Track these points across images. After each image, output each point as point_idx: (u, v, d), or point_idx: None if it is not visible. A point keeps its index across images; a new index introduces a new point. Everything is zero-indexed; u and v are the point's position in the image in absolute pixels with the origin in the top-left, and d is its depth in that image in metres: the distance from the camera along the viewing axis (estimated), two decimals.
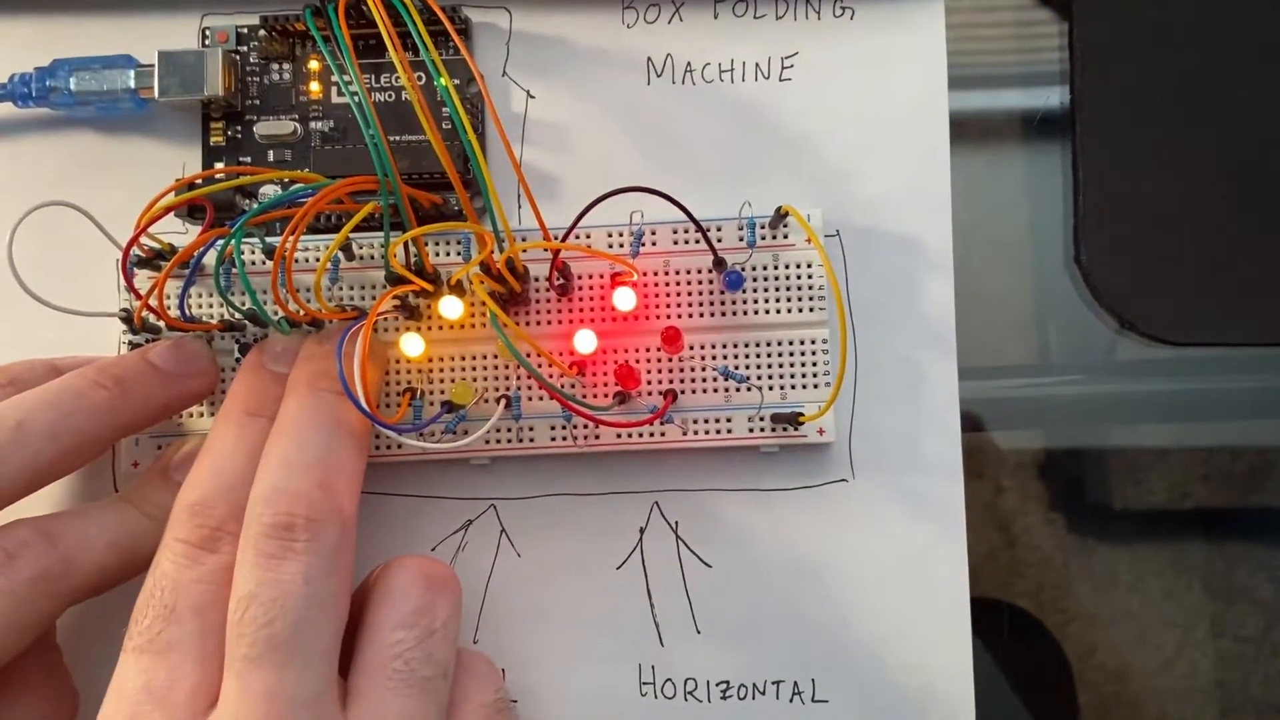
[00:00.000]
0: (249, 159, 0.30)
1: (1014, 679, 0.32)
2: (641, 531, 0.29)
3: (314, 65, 0.30)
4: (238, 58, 0.30)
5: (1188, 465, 0.34)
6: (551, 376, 0.28)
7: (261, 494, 0.23)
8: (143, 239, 0.26)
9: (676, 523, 0.29)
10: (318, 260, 0.28)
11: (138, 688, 0.21)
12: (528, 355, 0.27)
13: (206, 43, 0.30)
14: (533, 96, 0.30)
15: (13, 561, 0.22)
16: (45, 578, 0.23)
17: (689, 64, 0.30)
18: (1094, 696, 0.33)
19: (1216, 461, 0.34)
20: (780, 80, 0.30)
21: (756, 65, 0.30)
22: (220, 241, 0.25)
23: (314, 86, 0.30)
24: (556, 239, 0.27)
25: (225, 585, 0.23)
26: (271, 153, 0.30)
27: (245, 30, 0.30)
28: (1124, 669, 0.33)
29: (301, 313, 0.26)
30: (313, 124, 0.29)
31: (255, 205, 0.29)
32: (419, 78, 0.29)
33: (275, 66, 0.30)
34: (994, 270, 0.33)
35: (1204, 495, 0.34)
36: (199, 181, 0.29)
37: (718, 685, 0.28)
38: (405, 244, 0.26)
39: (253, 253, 0.28)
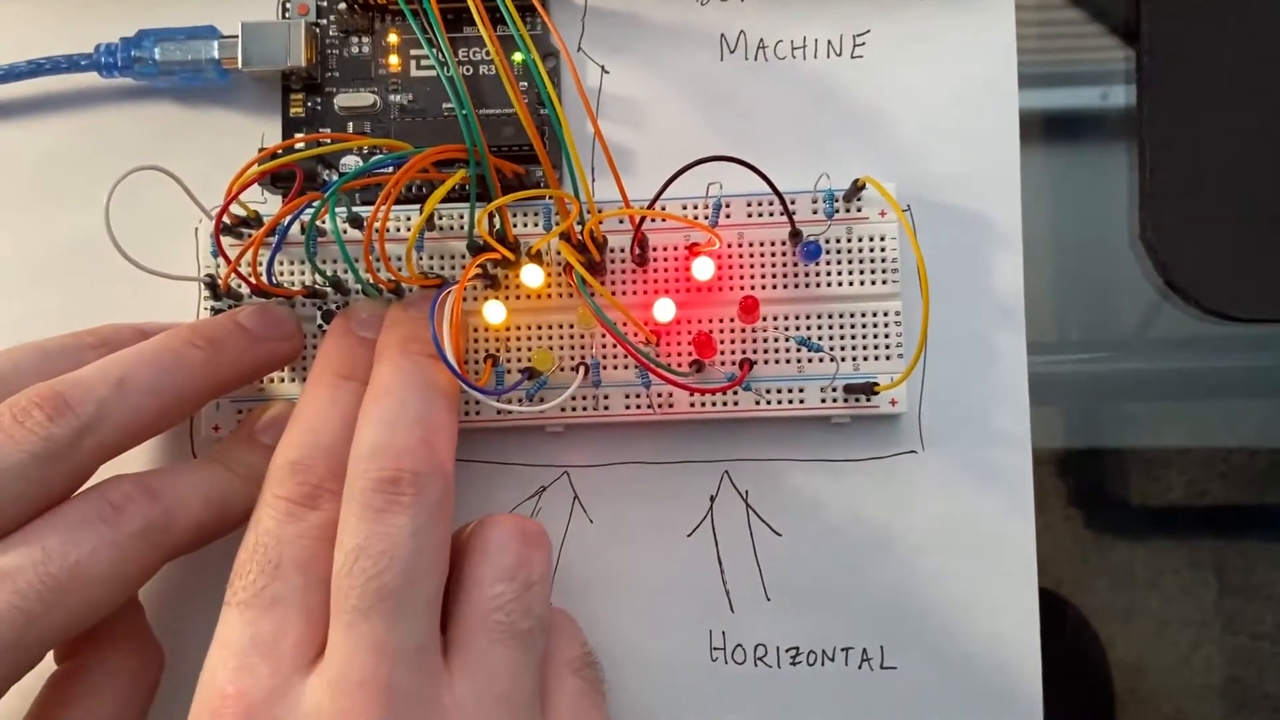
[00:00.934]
0: (328, 130, 0.30)
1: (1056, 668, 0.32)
2: (712, 500, 0.29)
3: (393, 39, 0.30)
4: (318, 30, 0.30)
5: (1206, 463, 0.34)
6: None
7: (365, 451, 0.23)
8: (230, 206, 0.26)
9: (747, 491, 0.29)
10: (398, 229, 0.29)
11: (244, 640, 0.22)
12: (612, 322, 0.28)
13: (287, 14, 0.30)
14: (607, 72, 0.30)
15: (119, 514, 0.23)
16: (149, 530, 0.23)
17: (761, 40, 0.30)
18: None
19: (1235, 460, 0.34)
20: (852, 58, 0.30)
21: (829, 42, 0.30)
22: (312, 208, 0.26)
23: (393, 60, 0.30)
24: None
25: (327, 541, 0.23)
26: (351, 124, 0.30)
27: (325, 3, 0.30)
28: (1140, 665, 0.33)
29: (389, 279, 0.27)
30: (391, 97, 0.30)
31: (339, 174, 0.29)
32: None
33: (355, 39, 0.30)
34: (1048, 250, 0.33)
35: (1221, 493, 0.34)
36: (281, 151, 0.29)
37: (787, 651, 0.29)
38: (489, 213, 0.27)
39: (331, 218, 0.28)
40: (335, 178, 0.29)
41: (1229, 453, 0.34)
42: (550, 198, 0.28)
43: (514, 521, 0.25)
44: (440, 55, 0.27)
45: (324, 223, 0.27)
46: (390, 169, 0.27)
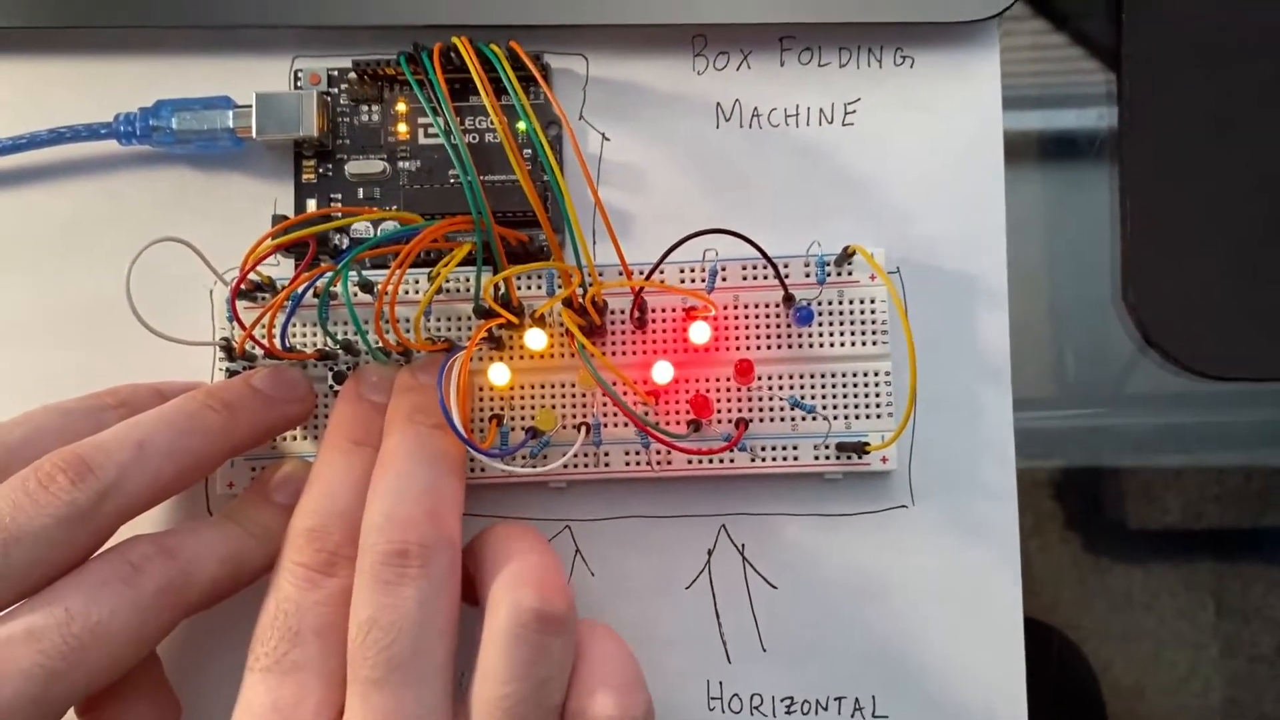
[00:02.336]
0: (339, 196, 0.31)
1: (1046, 698, 0.33)
2: (710, 553, 0.30)
3: (401, 107, 0.31)
4: (329, 99, 0.31)
5: (1202, 485, 0.34)
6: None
7: (375, 523, 0.24)
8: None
9: (743, 545, 0.30)
10: (405, 292, 0.30)
11: (267, 705, 0.23)
12: (611, 383, 0.29)
13: (299, 84, 0.32)
14: (608, 139, 0.31)
15: (138, 575, 0.24)
16: (167, 590, 0.24)
17: (756, 109, 0.31)
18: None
19: (1230, 482, 0.34)
20: (843, 125, 0.31)
21: (820, 110, 0.31)
22: (325, 276, 0.27)
23: (401, 128, 0.31)
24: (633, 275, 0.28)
25: (344, 606, 0.24)
26: (361, 190, 0.31)
27: (335, 73, 0.31)
28: (1137, 687, 0.33)
29: (398, 343, 0.28)
30: (400, 163, 0.31)
31: (350, 240, 0.30)
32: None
33: (364, 108, 0.31)
34: (1025, 299, 0.33)
35: (1218, 515, 0.34)
36: (291, 219, 0.30)
37: (782, 701, 0.30)
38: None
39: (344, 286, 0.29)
40: (347, 243, 0.30)
41: (1222, 474, 0.34)
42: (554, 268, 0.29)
43: (535, 602, 0.24)
44: (445, 124, 0.28)
45: (335, 288, 0.28)
46: (404, 237, 0.28)
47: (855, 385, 0.29)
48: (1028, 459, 0.30)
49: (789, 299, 0.29)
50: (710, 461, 0.29)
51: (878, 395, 0.29)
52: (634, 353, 0.30)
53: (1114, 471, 0.34)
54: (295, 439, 0.30)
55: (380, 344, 0.28)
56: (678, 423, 0.29)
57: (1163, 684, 0.33)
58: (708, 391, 0.29)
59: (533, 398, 0.30)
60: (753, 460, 0.29)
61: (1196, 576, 0.34)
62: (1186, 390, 0.34)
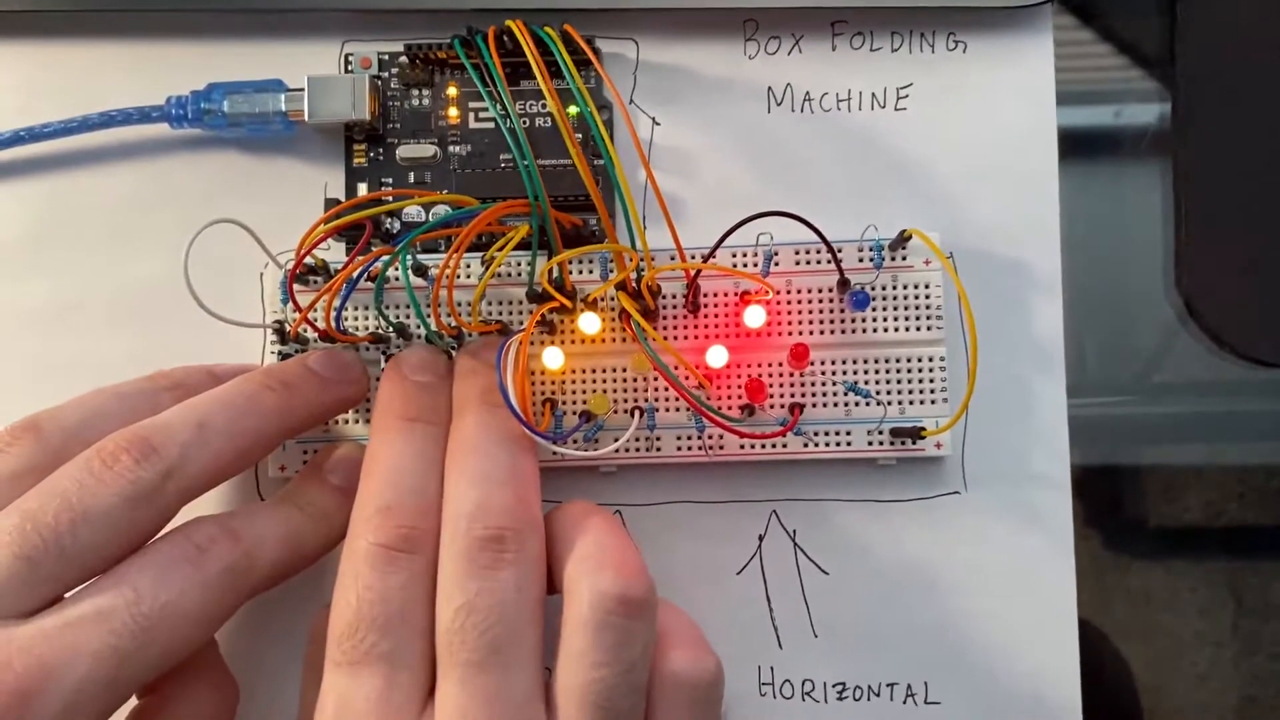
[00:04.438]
0: (390, 180, 0.31)
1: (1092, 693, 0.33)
2: (761, 539, 0.30)
3: (452, 92, 0.31)
4: (380, 83, 0.31)
5: (1223, 484, 0.34)
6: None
7: (466, 509, 0.24)
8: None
9: (795, 531, 0.30)
10: (459, 276, 0.30)
11: (360, 701, 0.23)
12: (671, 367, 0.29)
13: (350, 68, 0.32)
14: (658, 123, 0.31)
15: (204, 555, 0.24)
16: (232, 571, 0.24)
17: (808, 93, 0.31)
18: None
19: (1252, 480, 0.34)
20: (895, 110, 0.31)
21: (873, 95, 0.31)
22: (383, 259, 0.27)
23: (452, 112, 0.31)
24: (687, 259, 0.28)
25: (427, 588, 0.24)
26: (411, 174, 0.31)
27: (386, 57, 0.31)
28: (1157, 685, 0.33)
29: (453, 325, 0.28)
30: (451, 148, 0.31)
31: (404, 226, 0.30)
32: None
33: (416, 92, 0.31)
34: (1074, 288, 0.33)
35: (1238, 514, 0.34)
36: (344, 203, 0.30)
37: (834, 686, 0.30)
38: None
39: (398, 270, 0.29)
40: (399, 227, 0.30)
41: (1244, 472, 0.34)
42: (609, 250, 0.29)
43: (620, 581, 0.24)
44: (502, 108, 0.28)
45: (391, 271, 0.28)
46: (456, 220, 0.28)
47: (910, 371, 0.29)
48: (1078, 446, 0.30)
49: (844, 283, 0.29)
50: (763, 446, 0.29)
51: (932, 381, 0.29)
52: (687, 337, 0.29)
53: (1134, 469, 0.34)
54: (349, 422, 0.30)
55: (436, 327, 0.28)
56: (731, 407, 0.29)
57: (1182, 682, 0.33)
58: (761, 376, 0.29)
59: (585, 382, 0.29)
60: (805, 445, 0.29)
61: (1216, 574, 0.34)
62: (1216, 380, 0.34)
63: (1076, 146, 0.33)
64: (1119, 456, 0.34)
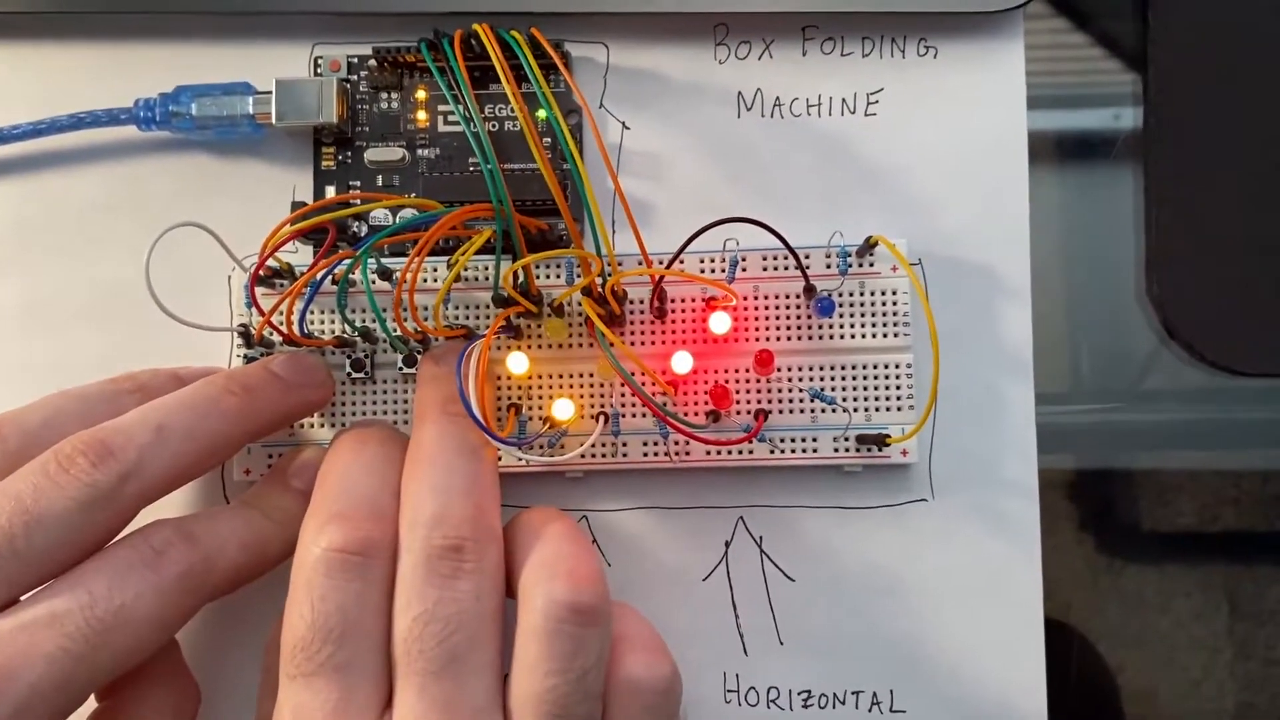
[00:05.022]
0: (358, 183, 0.31)
1: (1062, 697, 0.32)
2: (727, 545, 0.30)
3: (421, 95, 0.31)
4: (349, 86, 0.31)
5: (1217, 488, 0.34)
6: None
7: (424, 519, 0.24)
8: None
9: (761, 537, 0.30)
10: (424, 280, 0.30)
11: (316, 711, 0.23)
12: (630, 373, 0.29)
13: (319, 71, 0.31)
14: (628, 127, 0.31)
15: (161, 559, 0.24)
16: (189, 574, 0.24)
17: (778, 98, 0.31)
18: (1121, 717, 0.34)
19: (1246, 485, 0.34)
20: (865, 115, 0.31)
21: (843, 100, 0.31)
22: (344, 263, 0.27)
23: (421, 115, 0.31)
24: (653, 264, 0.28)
25: (382, 596, 0.24)
26: (380, 177, 0.31)
27: (355, 60, 0.31)
28: (1151, 689, 0.33)
29: (415, 330, 0.28)
30: (419, 151, 0.31)
31: (370, 229, 0.30)
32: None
33: (384, 95, 0.31)
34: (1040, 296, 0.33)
35: (1233, 518, 0.34)
36: (312, 211, 0.30)
37: (799, 694, 0.30)
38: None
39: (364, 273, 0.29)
40: (365, 230, 0.30)
41: (1239, 477, 0.34)
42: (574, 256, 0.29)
43: (572, 589, 0.24)
44: (466, 112, 0.28)
45: (354, 275, 0.28)
46: (422, 224, 0.28)
47: (876, 377, 0.29)
48: (1043, 457, 0.30)
49: (810, 290, 0.29)
50: (729, 453, 0.29)
51: (898, 388, 0.29)
52: (653, 342, 0.29)
53: (1128, 473, 0.34)
54: (314, 426, 0.30)
55: (399, 331, 0.27)
56: (697, 413, 0.29)
57: (1176, 686, 0.33)
58: (727, 382, 0.29)
59: (551, 387, 0.29)
60: (772, 452, 0.29)
61: (1211, 579, 0.34)
62: (1204, 388, 0.33)
63: (1049, 151, 0.33)
64: (1111, 461, 0.34)
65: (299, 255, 0.31)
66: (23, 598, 0.23)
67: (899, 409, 0.29)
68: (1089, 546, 0.33)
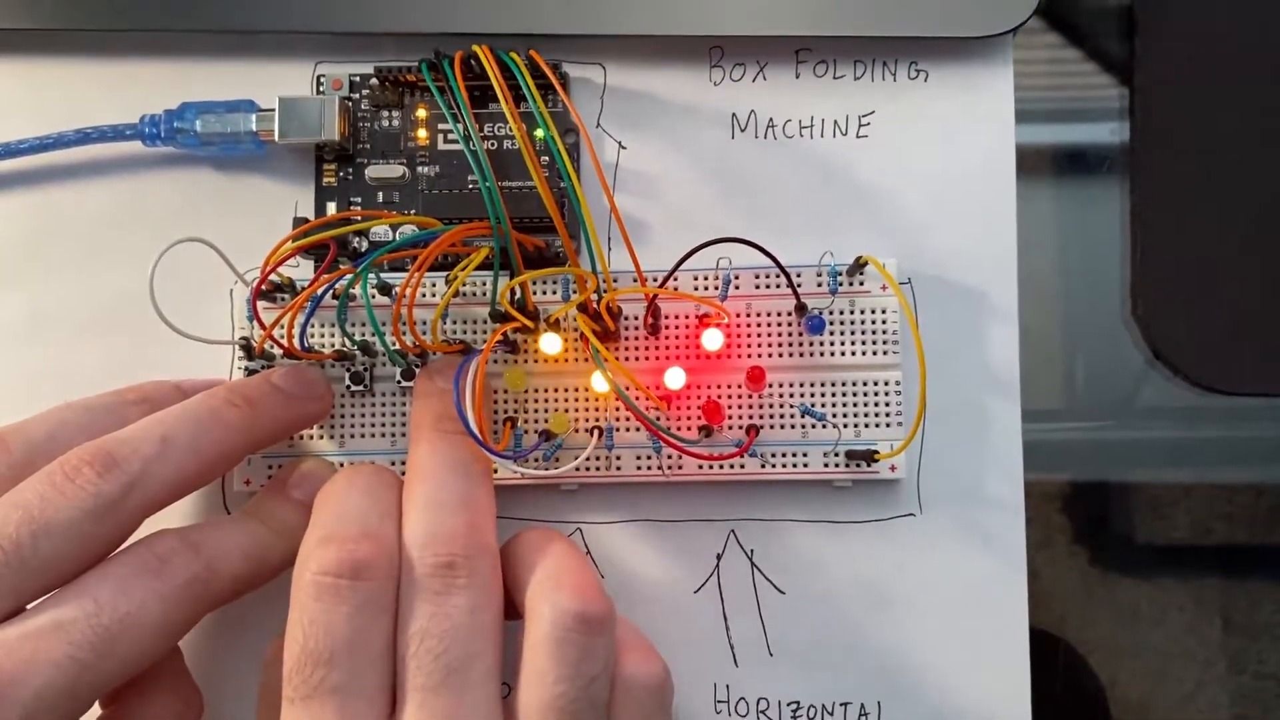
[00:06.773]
0: (359, 199, 0.32)
1: (1051, 710, 0.33)
2: (719, 558, 0.31)
3: (421, 113, 0.32)
4: (350, 104, 0.32)
5: (1211, 502, 0.34)
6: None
7: (417, 538, 0.25)
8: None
9: (752, 551, 0.31)
10: (423, 295, 0.30)
11: None
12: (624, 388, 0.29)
13: (321, 89, 0.32)
14: (624, 147, 0.32)
15: (165, 568, 0.24)
16: (193, 583, 0.25)
17: (771, 120, 0.32)
18: None
19: (1240, 499, 0.34)
20: (857, 137, 0.32)
21: (835, 122, 0.32)
22: (345, 279, 0.27)
23: (421, 134, 0.32)
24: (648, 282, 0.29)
25: (379, 614, 0.24)
26: (380, 194, 0.32)
27: (357, 78, 0.32)
28: (1144, 702, 0.33)
29: (414, 344, 0.28)
30: (420, 168, 0.32)
31: (371, 245, 0.31)
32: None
33: (385, 114, 0.32)
34: (1035, 313, 0.34)
35: (1227, 532, 0.34)
36: (312, 222, 0.31)
37: (788, 705, 0.30)
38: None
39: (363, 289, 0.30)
40: (366, 246, 0.31)
41: (1233, 491, 0.35)
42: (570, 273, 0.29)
43: (578, 599, 0.24)
44: (466, 131, 0.29)
45: (354, 290, 0.29)
46: (422, 241, 0.28)
47: (865, 394, 0.30)
48: (1037, 471, 0.31)
49: (801, 308, 0.29)
50: (721, 467, 0.30)
51: (887, 404, 0.30)
52: (647, 358, 0.30)
53: (1123, 486, 0.35)
54: (313, 438, 0.30)
55: (397, 345, 0.28)
56: (689, 428, 0.30)
57: (1169, 700, 0.34)
58: (719, 398, 0.30)
59: (546, 401, 0.30)
60: (763, 466, 0.30)
61: (1204, 592, 0.34)
62: (1196, 405, 0.34)
63: (1043, 165, 0.34)
64: (1104, 475, 0.35)
65: (300, 270, 0.32)
66: (29, 606, 0.24)
67: (888, 425, 0.30)
68: (1083, 560, 0.34)
